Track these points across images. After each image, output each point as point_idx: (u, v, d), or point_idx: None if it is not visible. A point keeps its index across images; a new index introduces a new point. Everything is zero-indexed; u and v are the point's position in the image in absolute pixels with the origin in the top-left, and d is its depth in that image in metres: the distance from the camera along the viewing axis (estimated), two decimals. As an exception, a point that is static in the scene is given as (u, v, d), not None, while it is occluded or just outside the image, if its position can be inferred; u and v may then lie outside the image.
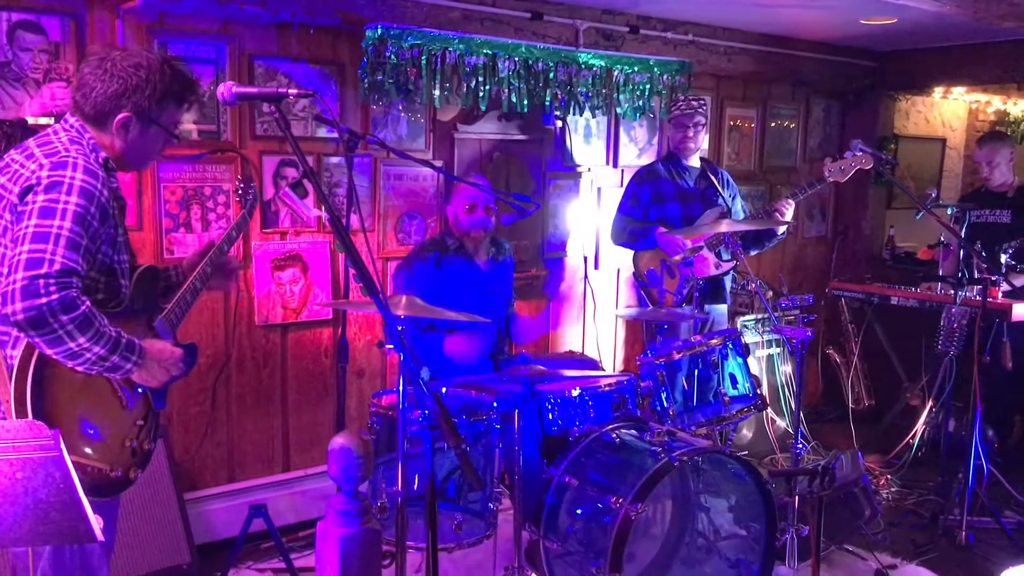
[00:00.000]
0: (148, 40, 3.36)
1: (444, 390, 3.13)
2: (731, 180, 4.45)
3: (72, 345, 1.80)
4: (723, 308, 4.40)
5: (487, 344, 3.57)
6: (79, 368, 1.87)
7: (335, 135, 3.64)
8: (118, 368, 1.92)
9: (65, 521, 1.62)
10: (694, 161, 4.32)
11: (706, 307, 4.24)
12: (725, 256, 4.21)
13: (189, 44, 3.46)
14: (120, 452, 2.02)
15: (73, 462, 1.86)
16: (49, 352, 1.82)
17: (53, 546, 1.93)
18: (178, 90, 2.07)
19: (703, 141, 4.36)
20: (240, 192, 2.65)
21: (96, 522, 1.63)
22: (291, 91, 2.09)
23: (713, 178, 4.31)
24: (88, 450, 1.94)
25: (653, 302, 4.23)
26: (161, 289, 2.30)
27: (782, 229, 4.28)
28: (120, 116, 2.00)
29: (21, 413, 1.82)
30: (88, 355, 1.84)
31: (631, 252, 4.39)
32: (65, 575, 1.97)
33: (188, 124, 3.49)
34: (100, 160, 1.98)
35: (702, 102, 4.27)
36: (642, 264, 4.30)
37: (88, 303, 1.82)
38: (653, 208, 4.26)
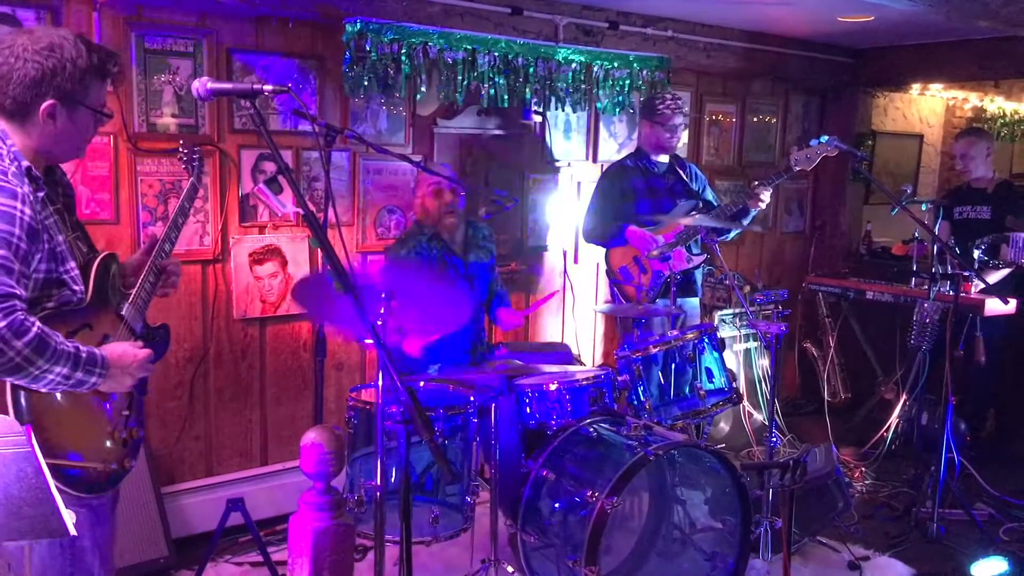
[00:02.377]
0: (125, 33, 3.35)
1: (422, 384, 3.15)
2: (699, 172, 4.48)
3: (33, 370, 1.74)
4: (695, 301, 4.43)
5: (463, 335, 3.58)
6: (44, 390, 1.80)
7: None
8: (83, 383, 1.84)
9: (38, 516, 1.62)
10: (663, 157, 4.34)
11: (679, 301, 4.27)
12: (695, 250, 4.24)
13: (167, 37, 3.45)
14: (112, 445, 1.99)
15: (65, 466, 1.83)
16: (11, 381, 1.76)
17: (45, 544, 1.91)
18: (98, 65, 1.93)
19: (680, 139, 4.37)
20: (184, 159, 2.48)
21: (69, 517, 1.64)
22: (266, 87, 2.04)
23: (681, 172, 4.33)
24: (80, 451, 1.90)
25: (627, 298, 4.25)
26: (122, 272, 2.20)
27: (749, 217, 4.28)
28: (45, 105, 1.87)
29: None
30: (51, 376, 1.77)
31: (604, 252, 4.42)
32: (55, 571, 1.96)
33: (166, 118, 3.48)
34: (22, 170, 1.85)
35: (683, 99, 4.29)
36: (614, 262, 4.31)
37: (37, 324, 1.75)
38: (624, 205, 4.26)
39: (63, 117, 1.90)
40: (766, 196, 4.12)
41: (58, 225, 1.94)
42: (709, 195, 4.42)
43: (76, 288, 1.94)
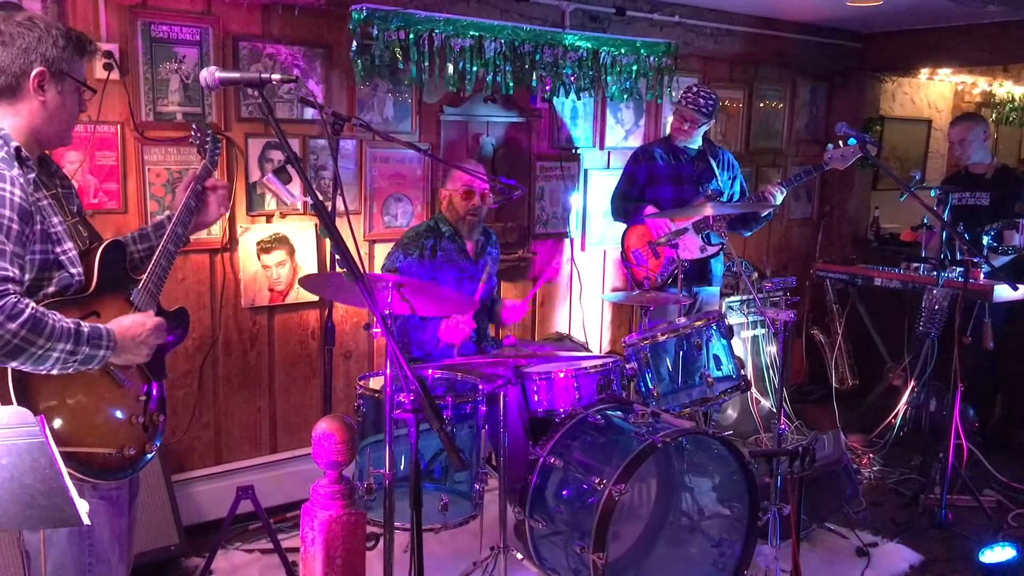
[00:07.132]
0: (131, 22, 3.34)
1: (430, 372, 3.15)
2: (733, 161, 4.49)
3: (34, 350, 1.74)
4: (715, 290, 4.47)
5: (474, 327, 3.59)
6: (54, 372, 1.80)
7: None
8: (92, 359, 1.85)
9: (51, 506, 1.63)
10: (694, 143, 4.35)
11: (695, 289, 4.28)
12: (714, 240, 4.24)
13: (173, 26, 3.44)
14: (130, 430, 2.00)
15: (78, 453, 1.84)
16: (15, 365, 1.76)
17: (64, 535, 1.92)
18: (76, 38, 1.96)
19: (697, 134, 4.34)
20: (196, 142, 2.44)
21: (82, 506, 1.64)
22: (273, 76, 2.04)
23: (712, 161, 4.34)
24: (93, 436, 1.91)
25: (637, 284, 4.26)
26: (139, 258, 2.23)
27: (768, 211, 4.30)
28: (35, 73, 1.89)
29: None
30: (55, 355, 1.77)
31: (620, 234, 4.45)
32: (73, 562, 1.96)
33: (173, 107, 3.48)
34: (12, 152, 1.86)
35: (712, 104, 4.25)
36: (629, 244, 4.35)
37: (31, 304, 1.76)
38: (648, 189, 4.33)
39: (52, 90, 1.92)
40: (777, 198, 4.22)
41: (53, 208, 1.94)
42: (737, 186, 4.43)
43: (74, 271, 1.94)
